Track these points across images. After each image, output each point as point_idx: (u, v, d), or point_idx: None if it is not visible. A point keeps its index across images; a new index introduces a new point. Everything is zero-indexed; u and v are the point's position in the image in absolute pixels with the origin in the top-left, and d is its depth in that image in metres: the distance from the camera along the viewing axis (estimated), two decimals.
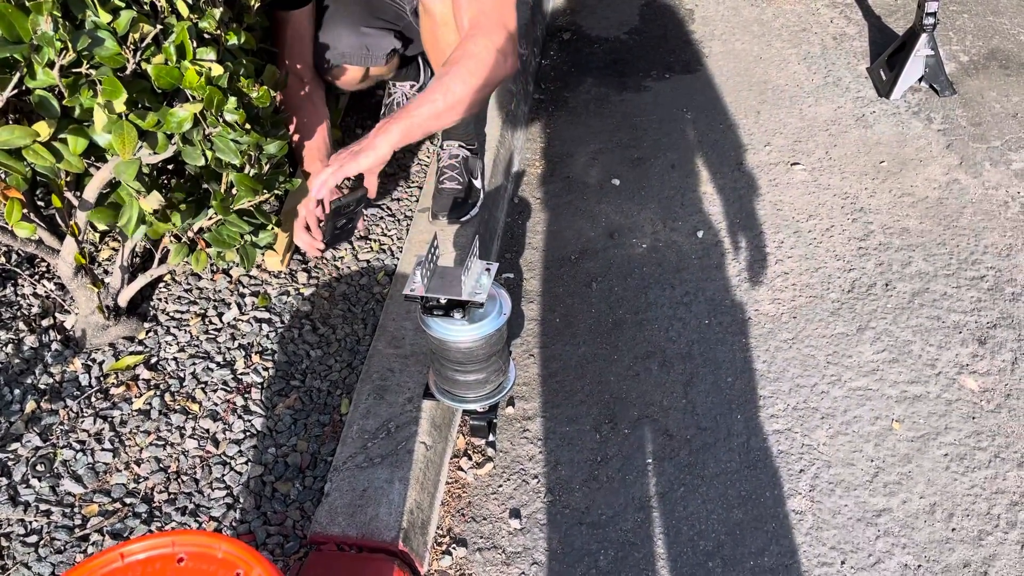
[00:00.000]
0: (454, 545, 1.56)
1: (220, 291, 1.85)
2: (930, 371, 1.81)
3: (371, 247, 1.99)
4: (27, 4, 1.17)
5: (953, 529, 1.56)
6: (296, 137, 1.87)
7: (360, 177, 1.68)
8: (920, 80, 2.54)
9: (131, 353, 1.72)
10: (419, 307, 1.41)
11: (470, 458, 1.69)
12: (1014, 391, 1.76)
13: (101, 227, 1.77)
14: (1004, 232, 2.11)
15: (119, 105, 1.29)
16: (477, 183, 2.02)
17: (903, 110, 2.51)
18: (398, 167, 2.22)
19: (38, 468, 1.53)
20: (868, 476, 1.64)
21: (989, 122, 2.45)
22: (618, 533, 1.57)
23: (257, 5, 1.61)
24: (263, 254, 1.88)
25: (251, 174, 1.54)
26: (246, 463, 1.56)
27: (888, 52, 2.59)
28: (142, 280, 1.71)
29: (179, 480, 1.54)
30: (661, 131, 2.51)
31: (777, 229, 2.16)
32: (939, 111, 2.50)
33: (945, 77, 2.53)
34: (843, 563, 1.51)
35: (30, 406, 1.61)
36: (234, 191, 1.56)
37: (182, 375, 1.69)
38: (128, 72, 1.32)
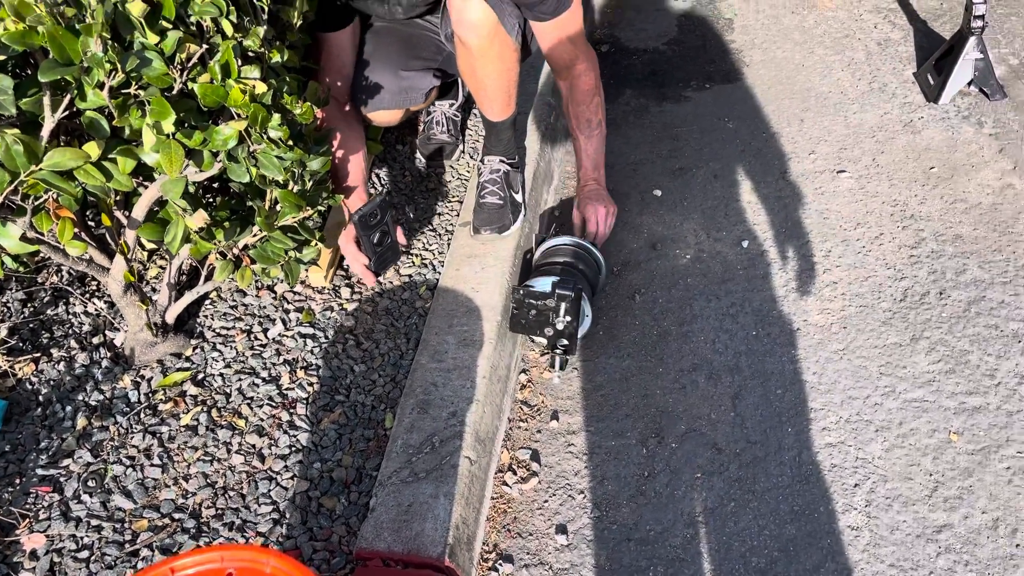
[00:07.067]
0: (500, 561, 1.54)
1: (265, 307, 1.87)
2: (989, 382, 1.75)
3: (412, 261, 1.99)
4: (77, 26, 1.19)
5: (1018, 545, 1.50)
6: (337, 155, 1.89)
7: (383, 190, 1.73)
8: (969, 84, 2.48)
9: (178, 369, 1.74)
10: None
11: (515, 473, 1.67)
12: None
13: (149, 244, 1.80)
14: None
15: (167, 125, 1.30)
16: (518, 197, 2.02)
17: (952, 115, 2.45)
18: (438, 182, 2.23)
19: (89, 484, 1.54)
20: (927, 491, 1.58)
21: None
22: (667, 549, 1.54)
23: (300, 23, 1.63)
24: (307, 270, 1.89)
25: (295, 190, 1.55)
26: (292, 478, 1.57)
27: (935, 56, 2.54)
28: (189, 297, 1.73)
29: (226, 495, 1.54)
30: (702, 141, 2.48)
31: (824, 238, 2.12)
32: (990, 115, 2.43)
33: (995, 80, 2.47)
34: None
35: (81, 423, 1.63)
36: (278, 207, 1.57)
37: (228, 391, 1.71)
38: (175, 91, 1.34)
